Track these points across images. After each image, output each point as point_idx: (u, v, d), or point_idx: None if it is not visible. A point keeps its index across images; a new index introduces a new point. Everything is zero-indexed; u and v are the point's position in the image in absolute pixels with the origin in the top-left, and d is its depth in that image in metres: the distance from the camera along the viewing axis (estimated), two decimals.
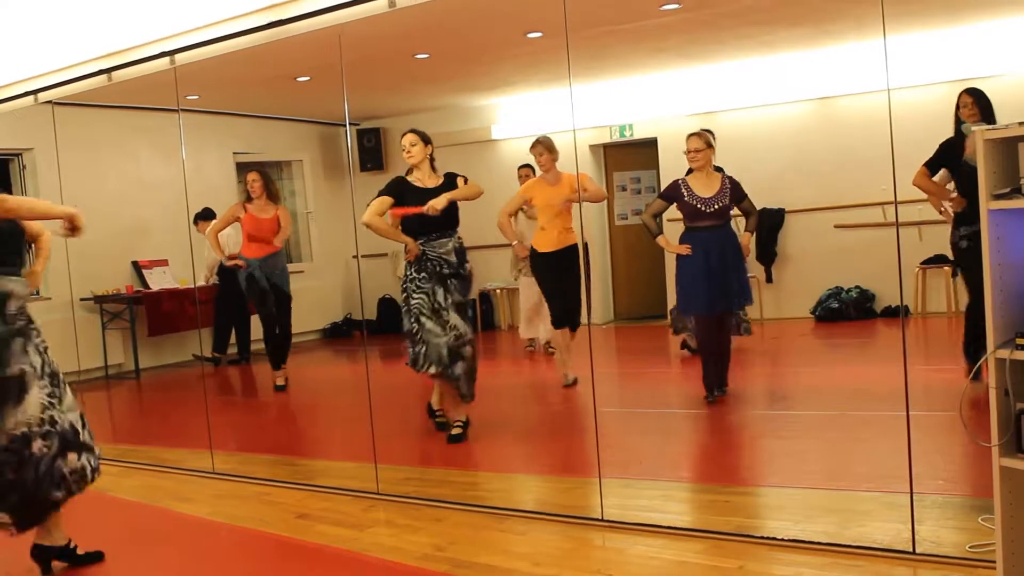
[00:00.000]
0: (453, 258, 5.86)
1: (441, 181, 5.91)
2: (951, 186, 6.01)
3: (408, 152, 5.90)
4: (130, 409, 9.10)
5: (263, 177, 8.27)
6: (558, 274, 7.25)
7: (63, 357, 7.94)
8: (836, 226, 8.84)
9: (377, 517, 4.61)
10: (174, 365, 9.72)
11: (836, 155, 8.81)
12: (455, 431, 5.92)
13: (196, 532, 4.75)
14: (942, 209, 6.02)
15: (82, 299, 9.23)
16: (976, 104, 5.76)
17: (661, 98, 9.97)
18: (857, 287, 9.04)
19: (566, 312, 7.22)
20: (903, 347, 3.95)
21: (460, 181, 5.90)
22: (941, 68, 7.80)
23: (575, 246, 7.27)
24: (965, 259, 5.92)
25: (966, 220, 5.85)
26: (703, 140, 6.30)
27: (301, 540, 4.35)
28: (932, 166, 5.85)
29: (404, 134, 5.96)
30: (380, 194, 5.87)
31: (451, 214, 5.87)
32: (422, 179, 5.91)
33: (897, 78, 3.89)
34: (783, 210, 9.32)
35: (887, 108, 3.84)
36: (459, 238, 5.93)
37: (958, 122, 5.85)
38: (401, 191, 5.85)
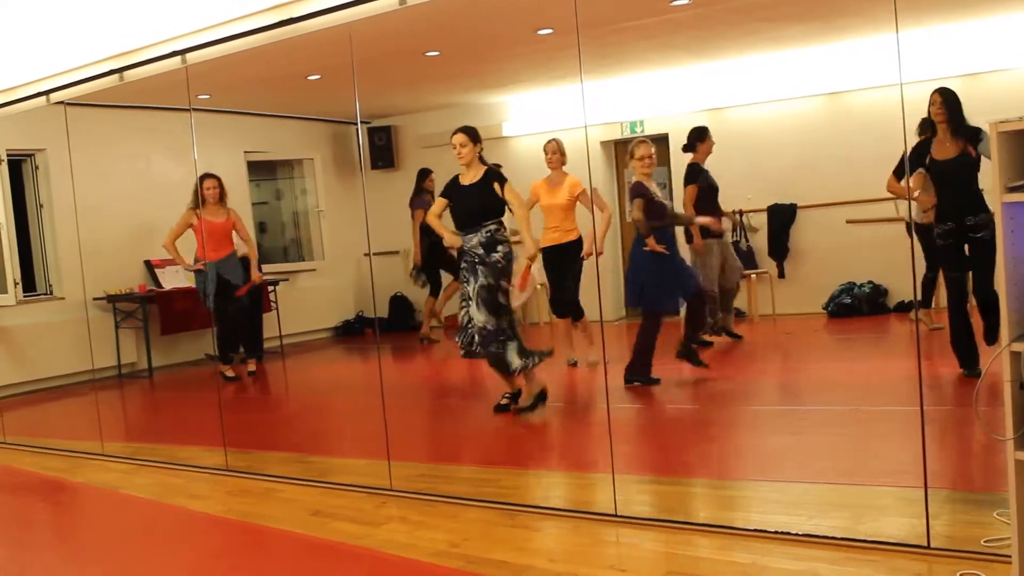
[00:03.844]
0: (480, 250, 6.15)
1: (479, 177, 6.22)
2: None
3: (458, 152, 6.20)
4: (143, 408, 9.14)
5: (219, 183, 8.64)
6: (558, 269, 7.70)
7: (77, 356, 8.08)
8: (848, 221, 8.82)
9: (391, 514, 4.61)
10: (187, 364, 9.75)
11: (848, 150, 8.78)
12: (501, 401, 6.41)
13: (209, 529, 4.77)
14: (925, 209, 6.11)
15: (95, 298, 9.26)
16: (944, 104, 5.82)
17: (672, 94, 9.96)
18: (870, 282, 9.01)
19: (563, 303, 7.75)
20: (917, 342, 3.95)
21: (496, 187, 6.18)
22: (952, 62, 7.77)
23: (573, 242, 7.63)
24: (943, 258, 5.96)
25: (939, 218, 5.90)
26: (653, 147, 6.92)
27: (315, 537, 4.36)
28: (912, 166, 5.92)
29: (453, 133, 6.24)
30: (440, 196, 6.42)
31: (477, 211, 6.18)
32: (466, 176, 6.30)
33: (908, 72, 3.87)
34: (795, 206, 9.31)
35: (898, 102, 3.83)
36: (490, 231, 6.15)
37: (932, 120, 5.94)
38: (450, 190, 6.33)
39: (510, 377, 6.30)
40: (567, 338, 7.93)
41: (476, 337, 6.16)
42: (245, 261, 9.19)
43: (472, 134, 6.22)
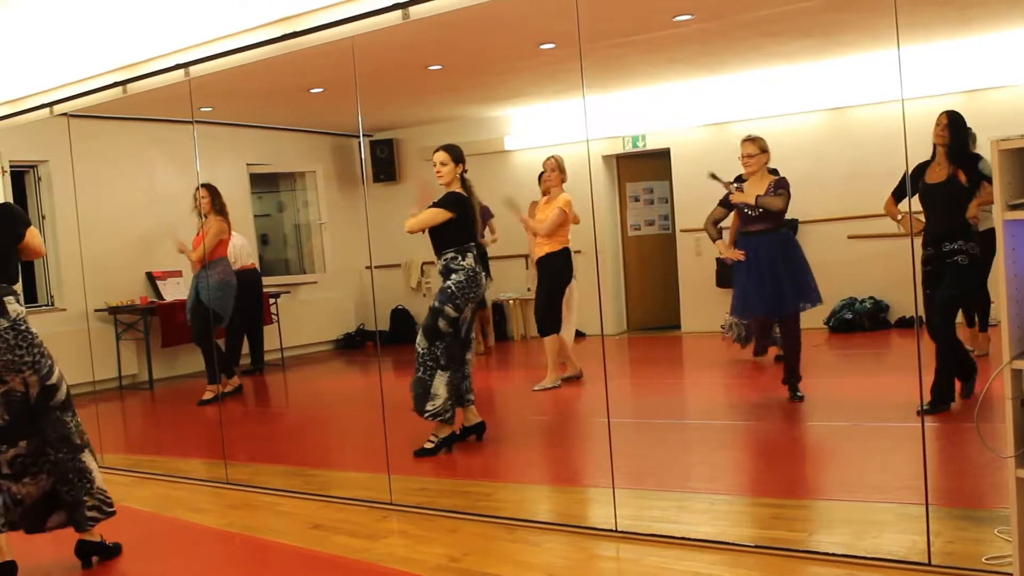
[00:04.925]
0: (441, 277, 5.95)
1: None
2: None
3: (438, 171, 5.93)
4: (144, 420, 9.13)
5: (209, 192, 8.36)
6: (541, 279, 7.82)
7: (78, 368, 8.07)
8: (850, 237, 8.81)
9: (391, 528, 4.61)
10: (188, 376, 9.74)
11: (849, 165, 8.79)
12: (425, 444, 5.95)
13: (209, 542, 4.76)
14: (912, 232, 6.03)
15: (96, 310, 9.27)
16: (948, 127, 5.74)
17: (674, 109, 9.98)
18: (871, 298, 9.01)
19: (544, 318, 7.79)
20: (918, 358, 3.94)
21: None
22: (954, 78, 7.78)
23: (554, 252, 7.73)
24: (926, 283, 5.88)
25: (924, 243, 5.85)
26: (756, 145, 6.44)
27: (315, 551, 4.36)
28: (899, 192, 5.87)
29: (435, 151, 5.96)
30: None
31: (434, 238, 5.93)
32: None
33: (910, 88, 3.88)
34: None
35: (900, 118, 3.83)
36: (448, 258, 5.88)
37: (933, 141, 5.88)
38: None
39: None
40: (566, 353, 7.90)
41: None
42: (252, 273, 9.15)
43: (454, 153, 5.91)
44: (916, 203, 6.01)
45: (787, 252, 6.42)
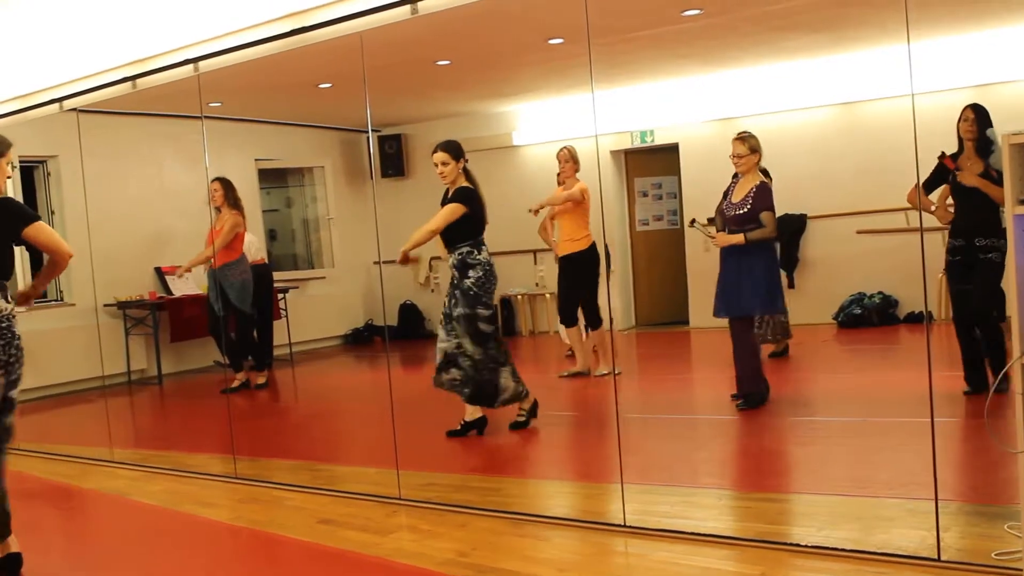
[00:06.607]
0: (454, 272, 6.01)
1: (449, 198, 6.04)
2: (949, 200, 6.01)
3: (440, 172, 5.96)
4: (153, 414, 9.15)
5: (223, 186, 8.49)
6: (569, 278, 7.79)
7: (87, 363, 8.09)
8: (859, 231, 8.80)
9: (400, 522, 4.61)
10: (196, 371, 9.77)
11: (858, 160, 8.77)
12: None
13: (218, 537, 4.77)
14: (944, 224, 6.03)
15: (106, 305, 9.29)
16: (976, 121, 5.76)
17: (682, 104, 9.97)
18: (880, 293, 8.99)
19: (571, 313, 7.81)
20: (927, 353, 3.92)
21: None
22: (964, 73, 7.76)
23: (583, 251, 7.68)
24: (951, 273, 5.93)
25: (952, 233, 5.86)
26: (746, 145, 6.27)
27: (324, 545, 4.36)
28: (929, 183, 5.86)
29: (433, 151, 5.98)
30: None
31: (446, 232, 5.97)
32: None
33: (919, 83, 3.87)
34: (805, 216, 9.29)
35: (909, 113, 3.82)
36: (463, 252, 5.94)
37: (960, 135, 5.88)
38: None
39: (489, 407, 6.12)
40: (577, 347, 7.92)
41: (443, 356, 6.05)
42: (263, 268, 9.17)
43: (453, 151, 5.92)
44: (935, 195, 6.00)
45: (754, 259, 6.16)
